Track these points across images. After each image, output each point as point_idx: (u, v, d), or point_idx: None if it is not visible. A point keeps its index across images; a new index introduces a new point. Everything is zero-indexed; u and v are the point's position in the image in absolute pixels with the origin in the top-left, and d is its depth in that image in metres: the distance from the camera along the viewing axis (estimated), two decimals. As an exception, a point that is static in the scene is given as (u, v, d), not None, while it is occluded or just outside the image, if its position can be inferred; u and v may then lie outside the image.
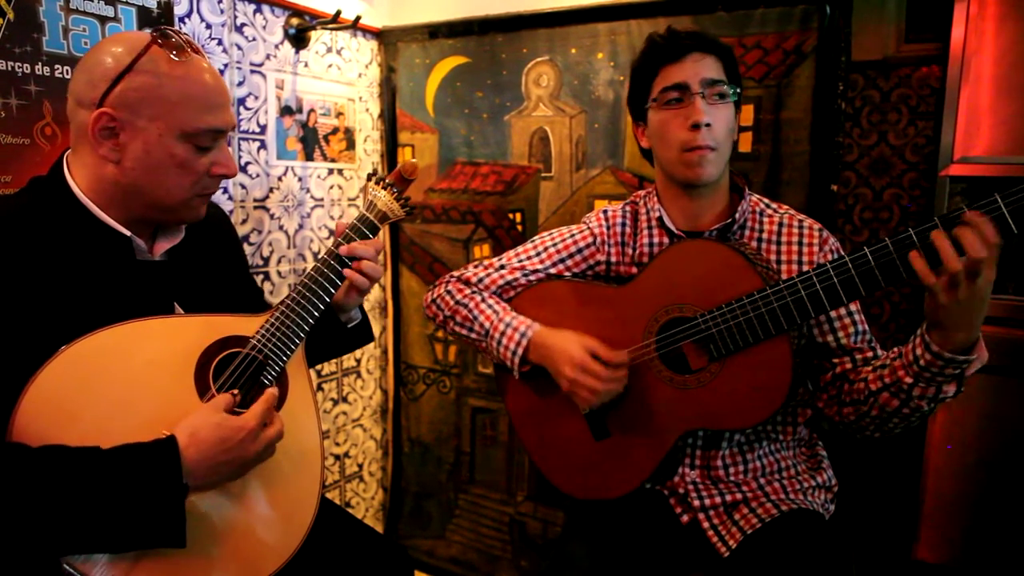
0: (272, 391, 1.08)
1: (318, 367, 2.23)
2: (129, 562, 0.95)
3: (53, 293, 0.99)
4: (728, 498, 1.31)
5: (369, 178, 1.31)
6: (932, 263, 1.02)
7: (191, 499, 0.99)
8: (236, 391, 1.07)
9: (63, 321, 0.98)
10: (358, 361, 2.41)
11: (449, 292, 1.49)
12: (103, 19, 1.52)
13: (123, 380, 1.00)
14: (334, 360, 2.29)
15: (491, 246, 2.23)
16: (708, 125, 1.26)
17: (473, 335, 1.45)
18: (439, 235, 2.31)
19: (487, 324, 1.42)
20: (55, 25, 1.43)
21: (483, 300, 1.45)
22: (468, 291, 1.48)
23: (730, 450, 1.34)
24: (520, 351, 1.38)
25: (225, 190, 1.88)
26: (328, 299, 1.19)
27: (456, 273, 1.53)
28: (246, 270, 1.43)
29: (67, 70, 1.45)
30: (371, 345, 2.46)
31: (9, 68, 1.37)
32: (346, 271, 1.23)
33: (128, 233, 1.08)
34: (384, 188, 1.29)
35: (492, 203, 2.21)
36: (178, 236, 1.18)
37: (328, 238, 2.19)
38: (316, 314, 1.18)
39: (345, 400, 2.37)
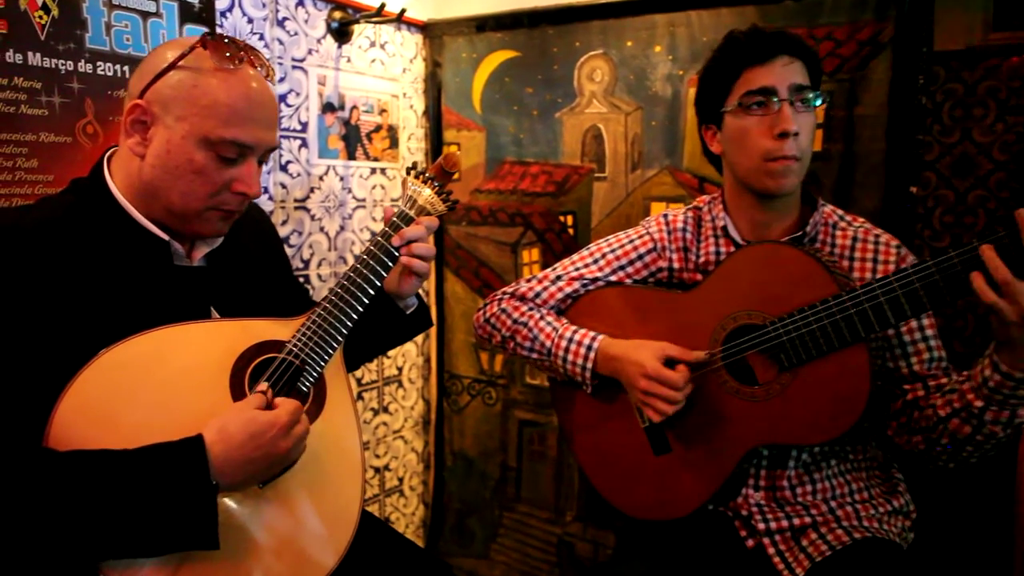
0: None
1: (358, 375, 2.25)
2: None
3: (90, 297, 1.02)
4: (796, 522, 1.29)
5: (408, 172, 1.31)
6: (992, 280, 1.00)
7: (230, 512, 1.01)
8: (267, 387, 1.08)
9: (99, 326, 1.01)
10: (400, 370, 2.42)
11: (504, 311, 1.49)
12: (145, 15, 1.56)
13: (159, 386, 1.02)
14: (374, 368, 2.31)
15: (540, 250, 2.23)
16: (796, 134, 1.24)
17: (534, 355, 1.45)
18: (486, 238, 2.32)
19: (548, 343, 1.42)
20: (98, 21, 1.48)
21: (542, 317, 1.45)
22: (525, 308, 1.48)
23: (796, 470, 1.32)
24: (590, 365, 1.37)
25: (265, 189, 1.91)
26: (367, 300, 1.20)
27: (509, 289, 1.53)
28: (289, 271, 1.45)
29: (109, 67, 1.50)
30: (413, 353, 2.47)
31: (53, 65, 1.41)
32: (402, 255, 1.23)
33: (166, 238, 1.10)
34: (424, 182, 1.28)
35: (542, 205, 2.21)
36: (217, 240, 1.19)
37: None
38: (355, 316, 1.19)
39: (386, 410, 2.38)
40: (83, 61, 1.46)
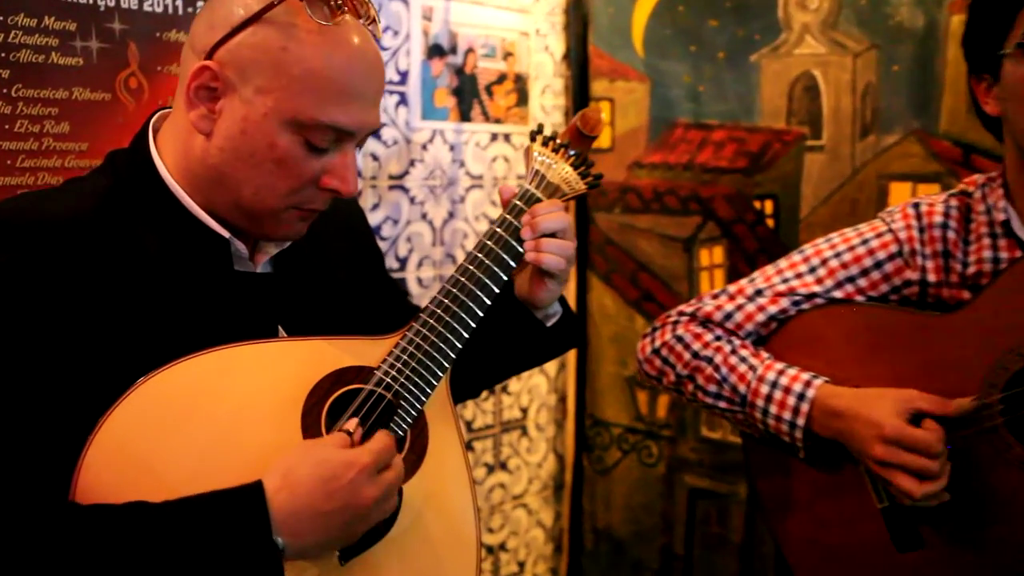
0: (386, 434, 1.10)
1: (466, 416, 2.28)
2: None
3: (132, 311, 1.05)
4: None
5: (533, 137, 1.31)
6: None
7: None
8: (356, 423, 1.09)
9: (142, 346, 1.04)
10: (524, 412, 2.43)
11: (681, 339, 1.49)
12: (203, -68, 1.63)
13: (211, 425, 1.05)
14: (490, 409, 2.33)
15: (725, 249, 2.20)
16: None
17: (722, 403, 1.44)
18: (647, 231, 2.31)
19: (742, 387, 1.41)
20: (145, -58, 1.57)
21: (734, 350, 1.44)
22: (710, 336, 1.47)
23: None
24: (801, 422, 1.36)
25: (352, 163, 1.96)
26: (481, 313, 1.21)
27: (688, 308, 1.53)
28: (383, 274, 1.48)
29: (158, 1, 1.57)
30: (543, 388, 2.48)
31: (91, 1, 1.49)
32: (528, 251, 1.23)
33: (227, 235, 1.13)
34: (556, 151, 1.29)
35: (729, 185, 2.18)
36: (288, 240, 1.22)
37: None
38: (466, 335, 1.20)
39: (504, 467, 2.40)
40: (126, -7, 1.54)
